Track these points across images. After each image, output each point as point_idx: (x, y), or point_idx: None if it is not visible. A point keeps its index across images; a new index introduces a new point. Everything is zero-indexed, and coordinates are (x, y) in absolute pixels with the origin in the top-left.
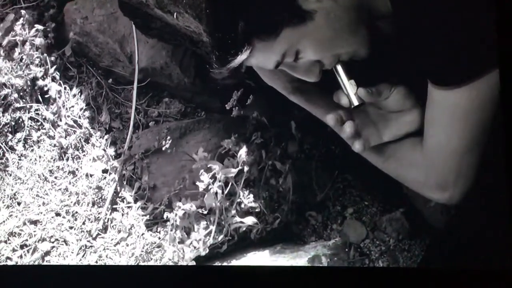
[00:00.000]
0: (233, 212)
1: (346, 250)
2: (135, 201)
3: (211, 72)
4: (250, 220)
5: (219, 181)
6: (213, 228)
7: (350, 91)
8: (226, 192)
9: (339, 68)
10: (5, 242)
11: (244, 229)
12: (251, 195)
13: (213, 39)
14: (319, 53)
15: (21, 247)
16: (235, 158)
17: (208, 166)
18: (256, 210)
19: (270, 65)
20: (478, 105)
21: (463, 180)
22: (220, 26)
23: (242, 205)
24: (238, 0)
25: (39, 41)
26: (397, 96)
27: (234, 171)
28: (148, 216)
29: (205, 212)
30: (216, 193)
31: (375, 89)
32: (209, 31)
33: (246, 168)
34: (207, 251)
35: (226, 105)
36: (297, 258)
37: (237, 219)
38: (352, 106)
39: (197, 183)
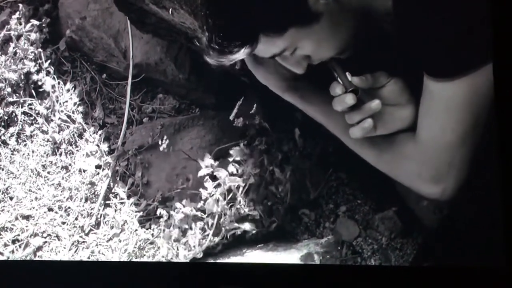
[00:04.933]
0: (232, 217)
1: (339, 248)
2: (128, 197)
3: (208, 57)
4: (248, 226)
5: (223, 188)
6: (210, 232)
7: (345, 80)
8: (228, 199)
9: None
10: None
11: (239, 233)
12: (251, 203)
13: (215, 25)
14: (315, 52)
15: (13, 242)
16: (240, 165)
17: (214, 173)
18: (256, 217)
19: (266, 55)
20: (473, 97)
21: (456, 173)
22: (225, 14)
23: (241, 211)
24: None
25: (34, 36)
26: (393, 86)
27: (239, 180)
28: (141, 212)
29: (205, 216)
30: (218, 199)
31: (370, 76)
32: (211, 15)
33: (251, 180)
34: (202, 255)
35: (230, 117)
36: (290, 256)
37: (235, 224)
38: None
39: (201, 189)
